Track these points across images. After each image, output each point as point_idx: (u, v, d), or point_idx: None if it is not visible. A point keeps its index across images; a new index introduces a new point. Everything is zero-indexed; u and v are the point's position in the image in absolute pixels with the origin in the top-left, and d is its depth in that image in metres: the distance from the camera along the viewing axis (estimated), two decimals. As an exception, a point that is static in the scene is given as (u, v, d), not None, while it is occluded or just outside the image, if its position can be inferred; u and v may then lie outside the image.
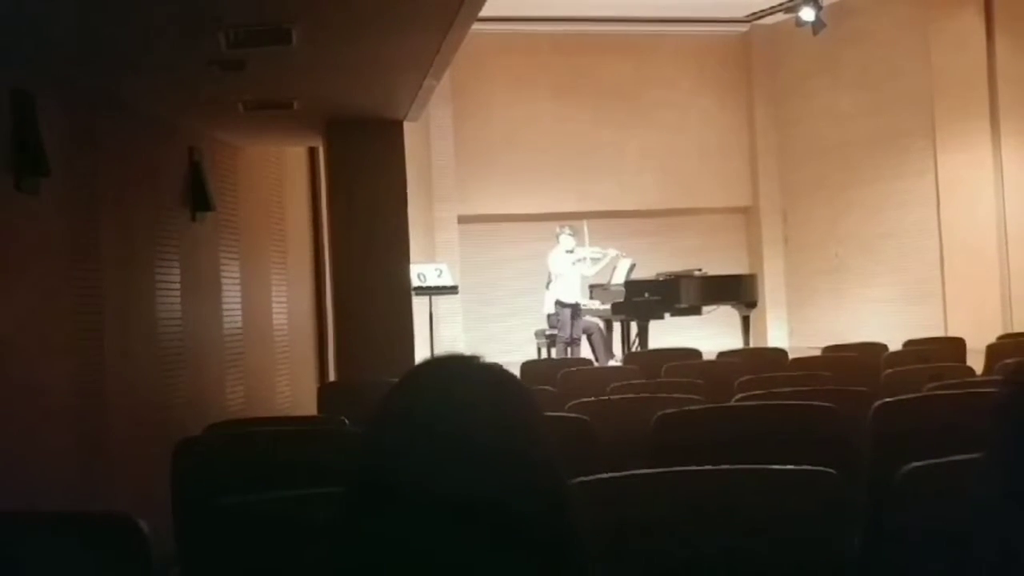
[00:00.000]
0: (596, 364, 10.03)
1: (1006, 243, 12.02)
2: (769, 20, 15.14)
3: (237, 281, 7.98)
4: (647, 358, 7.50)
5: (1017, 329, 10.86)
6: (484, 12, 5.71)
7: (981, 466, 1.51)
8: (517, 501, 1.11)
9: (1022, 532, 1.40)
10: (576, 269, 11.64)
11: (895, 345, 7.22)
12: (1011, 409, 1.49)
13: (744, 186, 15.75)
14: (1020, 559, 1.40)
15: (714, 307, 11.90)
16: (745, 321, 12.03)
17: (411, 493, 1.11)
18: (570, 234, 11.64)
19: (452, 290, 11.69)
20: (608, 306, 11.76)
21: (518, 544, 1.11)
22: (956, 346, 7.18)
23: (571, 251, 11.63)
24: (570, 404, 4.08)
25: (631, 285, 11.61)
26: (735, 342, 11.61)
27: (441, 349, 11.59)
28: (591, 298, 12.09)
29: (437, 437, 1.14)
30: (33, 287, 5.18)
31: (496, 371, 1.22)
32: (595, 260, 11.91)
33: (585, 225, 12.01)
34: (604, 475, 2.10)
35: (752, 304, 12.08)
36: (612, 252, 11.96)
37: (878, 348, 7.01)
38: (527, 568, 1.11)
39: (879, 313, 13.43)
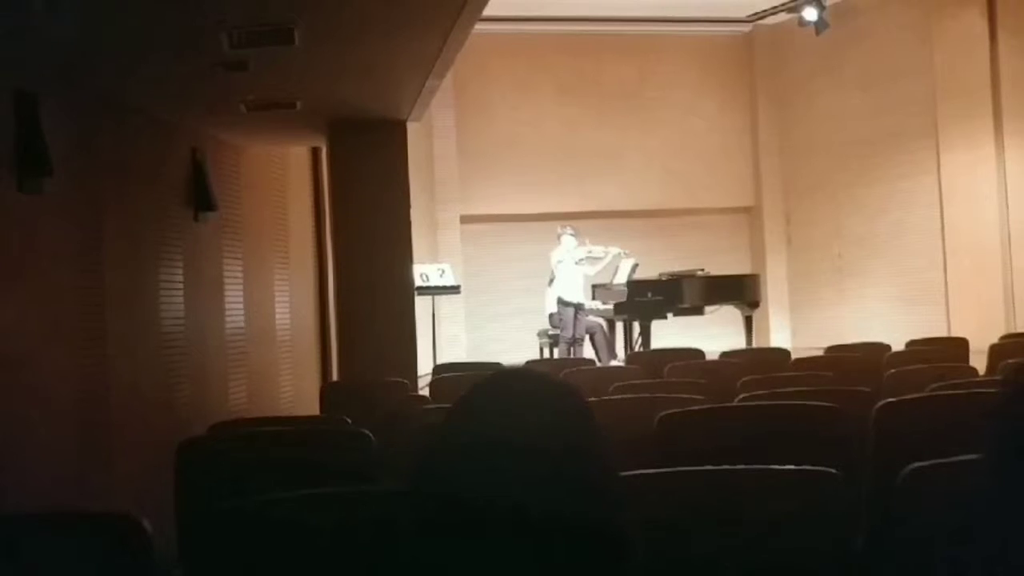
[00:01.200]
0: (599, 364, 10.03)
1: (1009, 243, 12.00)
2: (772, 20, 15.12)
3: (240, 281, 7.99)
4: (649, 358, 7.49)
5: (1020, 329, 10.85)
6: (487, 12, 5.71)
7: (979, 467, 1.51)
8: (581, 515, 1.13)
9: (1019, 533, 1.40)
10: (578, 268, 11.63)
11: (898, 345, 7.21)
12: (1009, 411, 1.49)
13: (747, 186, 15.75)
14: (1018, 560, 1.40)
15: (717, 307, 11.89)
16: (748, 321, 12.02)
17: (474, 512, 1.12)
18: (572, 234, 11.65)
19: (455, 290, 11.69)
20: (611, 306, 11.76)
21: (583, 558, 1.12)
22: (959, 346, 7.17)
23: (572, 251, 11.63)
24: (572, 404, 4.06)
25: (634, 285, 11.61)
26: (738, 342, 11.59)
27: (443, 348, 11.61)
28: (593, 298, 12.09)
29: (499, 457, 1.14)
30: (36, 287, 5.19)
31: (557, 386, 1.22)
32: (597, 259, 11.90)
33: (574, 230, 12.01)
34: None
35: (755, 304, 12.07)
36: (614, 251, 11.95)
37: (881, 348, 7.00)
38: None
39: (882, 313, 13.42)
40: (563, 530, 1.11)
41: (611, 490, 1.18)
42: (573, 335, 11.31)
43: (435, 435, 1.20)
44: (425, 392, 6.41)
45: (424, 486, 1.17)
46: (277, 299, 8.74)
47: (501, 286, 14.53)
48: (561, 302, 11.41)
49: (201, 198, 7.29)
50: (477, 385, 1.23)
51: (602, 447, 1.20)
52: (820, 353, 7.05)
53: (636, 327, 11.66)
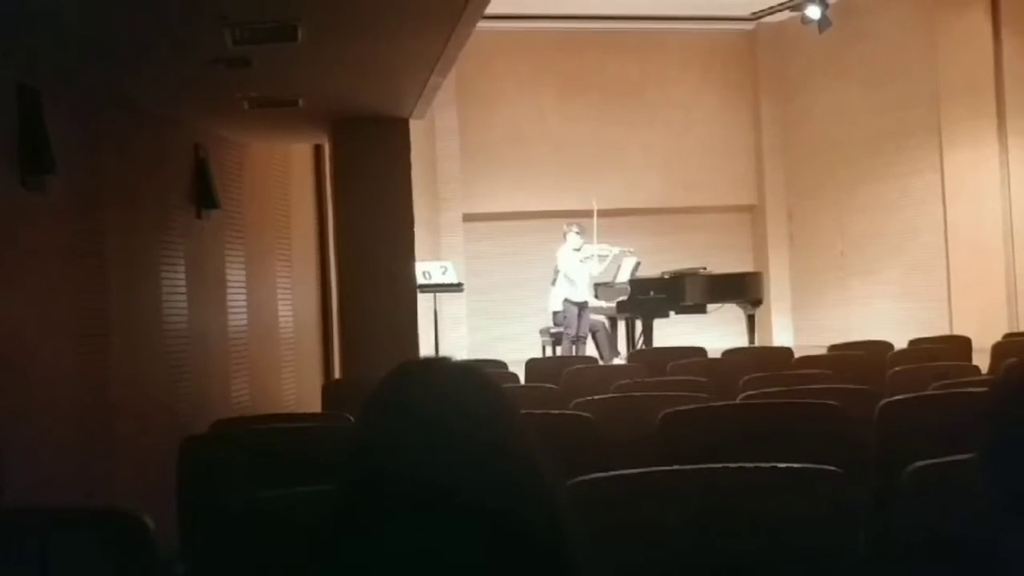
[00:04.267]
0: (601, 362, 10.03)
1: (1012, 241, 11.99)
2: (775, 18, 15.12)
3: (242, 278, 7.99)
4: (652, 356, 7.49)
5: (1023, 328, 10.84)
6: (490, 10, 5.71)
7: (974, 467, 1.51)
8: (497, 497, 1.12)
9: (1014, 531, 1.40)
10: (584, 267, 11.64)
11: (900, 344, 7.20)
12: (1002, 410, 1.48)
13: (749, 184, 15.74)
14: (1013, 558, 1.40)
15: (719, 305, 11.89)
16: (750, 319, 12.01)
17: (394, 489, 1.12)
18: (577, 232, 11.65)
19: (457, 287, 11.68)
20: (613, 304, 11.76)
21: (500, 540, 1.12)
22: (962, 345, 7.16)
23: (578, 249, 11.63)
24: (575, 402, 4.08)
25: (636, 283, 11.61)
26: (740, 340, 11.59)
27: (445, 346, 11.61)
28: (596, 296, 12.09)
29: (415, 434, 1.15)
30: (38, 284, 5.19)
31: (470, 370, 1.23)
32: (602, 257, 11.90)
33: (594, 223, 12.01)
34: (609, 473, 2.10)
35: (757, 302, 12.07)
36: (618, 249, 11.95)
37: (883, 347, 6.99)
38: (514, 564, 1.12)
39: (884, 311, 13.41)
40: (481, 514, 1.11)
41: (533, 478, 1.17)
42: (577, 333, 11.31)
43: (356, 429, 1.20)
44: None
45: (350, 460, 1.17)
46: (279, 296, 8.74)
47: (504, 284, 14.53)
48: (567, 300, 11.42)
49: (204, 195, 7.28)
50: (387, 379, 1.22)
51: (522, 436, 1.19)
52: (823, 351, 7.04)
53: (638, 325, 11.65)
